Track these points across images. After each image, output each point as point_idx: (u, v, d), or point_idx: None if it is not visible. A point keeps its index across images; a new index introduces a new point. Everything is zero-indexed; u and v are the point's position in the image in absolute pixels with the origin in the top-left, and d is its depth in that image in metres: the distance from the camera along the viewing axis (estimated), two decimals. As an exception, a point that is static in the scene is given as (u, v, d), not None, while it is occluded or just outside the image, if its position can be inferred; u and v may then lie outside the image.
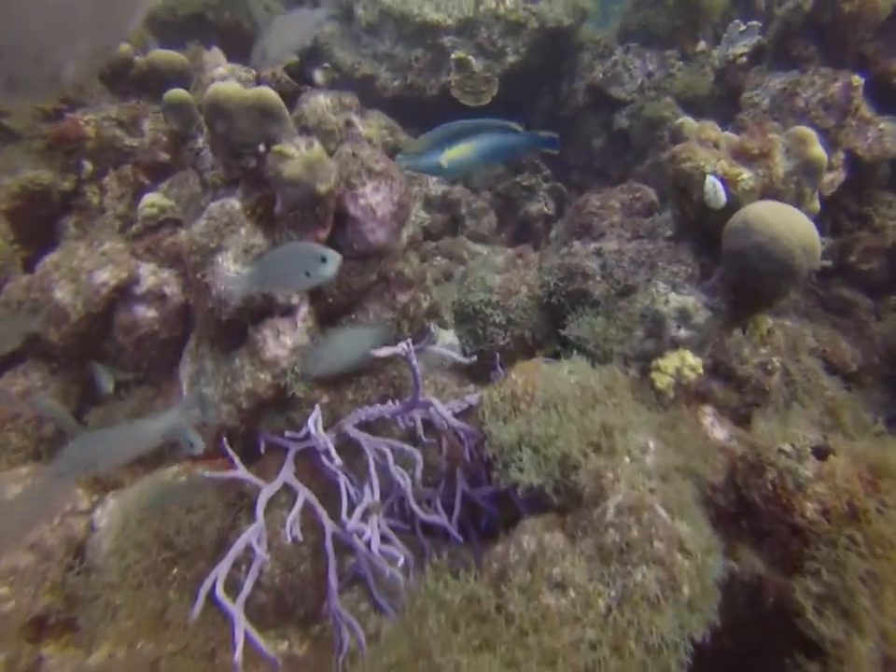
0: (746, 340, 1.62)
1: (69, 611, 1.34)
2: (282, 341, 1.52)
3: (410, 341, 1.46)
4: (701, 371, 1.44)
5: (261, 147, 1.49)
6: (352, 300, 1.68)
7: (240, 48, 2.91)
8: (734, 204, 1.53)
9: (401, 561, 1.41)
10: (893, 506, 1.12)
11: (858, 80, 2.25)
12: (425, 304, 2.00)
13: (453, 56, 2.86)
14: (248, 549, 1.43)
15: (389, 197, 1.59)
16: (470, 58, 2.85)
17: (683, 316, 1.48)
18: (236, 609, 1.38)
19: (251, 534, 1.45)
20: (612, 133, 2.96)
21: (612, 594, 1.01)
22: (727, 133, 1.70)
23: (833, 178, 2.31)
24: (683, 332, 1.48)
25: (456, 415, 1.69)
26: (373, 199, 1.57)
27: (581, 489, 1.16)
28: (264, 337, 1.52)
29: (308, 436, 1.57)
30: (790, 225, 1.38)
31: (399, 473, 1.57)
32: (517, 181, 2.88)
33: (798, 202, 1.64)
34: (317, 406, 1.59)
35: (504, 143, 1.85)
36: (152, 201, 1.83)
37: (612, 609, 1.01)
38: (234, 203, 1.53)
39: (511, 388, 1.35)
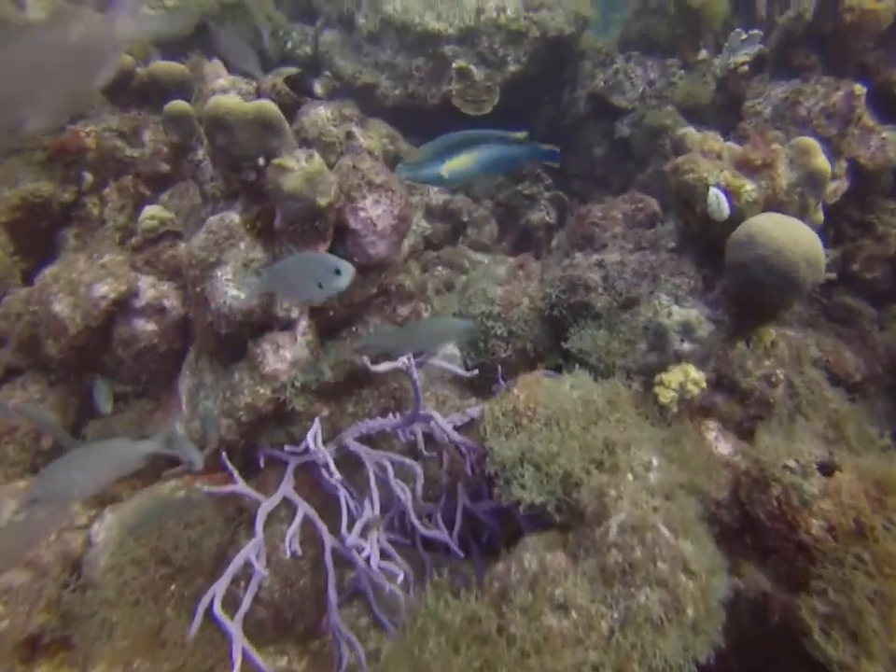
0: (749, 352, 1.61)
1: (64, 629, 1.33)
2: (281, 355, 1.51)
3: (410, 354, 1.45)
4: (704, 385, 1.42)
5: (261, 161, 1.49)
6: (352, 312, 1.67)
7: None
8: (737, 216, 1.52)
9: (401, 578, 1.40)
10: (901, 524, 1.11)
11: (860, 89, 2.24)
12: (426, 315, 1.99)
13: (454, 65, 2.86)
14: (247, 564, 1.42)
15: (390, 210, 1.58)
16: (472, 67, 2.85)
17: (686, 330, 1.47)
18: (234, 627, 1.37)
19: (250, 549, 1.43)
20: (614, 141, 2.95)
21: (615, 615, 1.00)
22: (730, 144, 1.69)
23: (836, 187, 2.30)
24: (686, 346, 1.46)
25: (458, 429, 1.68)
26: (374, 212, 1.56)
27: (583, 507, 1.14)
28: (264, 351, 1.51)
29: (308, 450, 1.56)
30: (793, 237, 1.37)
31: (399, 487, 1.56)
32: (518, 190, 2.87)
33: (802, 213, 1.63)
34: (317, 420, 1.58)
35: (505, 154, 1.84)
36: (152, 213, 1.82)
37: (615, 631, 0.99)
38: (234, 217, 1.52)
39: (513, 403, 1.34)
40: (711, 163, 1.58)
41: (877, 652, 0.99)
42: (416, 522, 1.54)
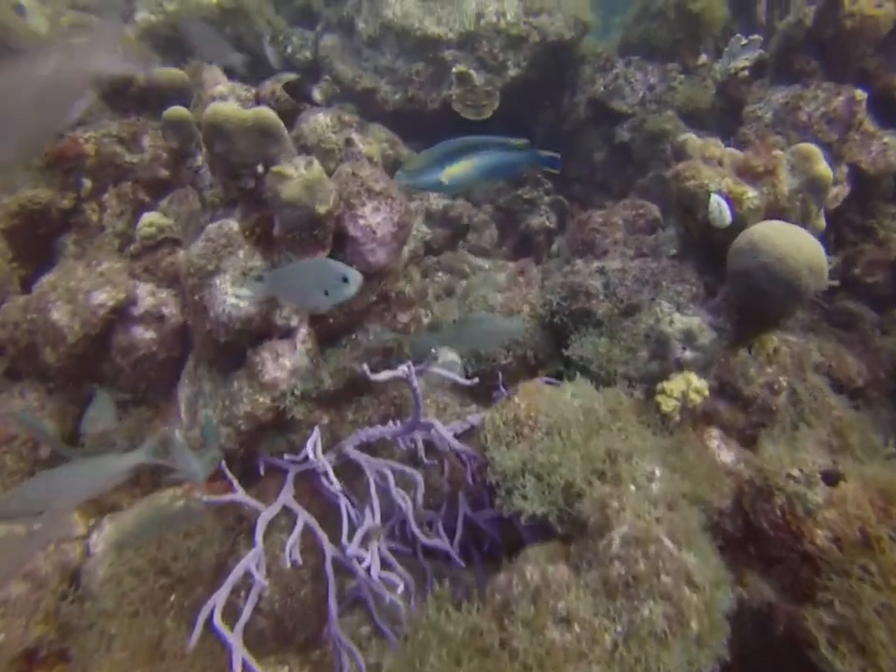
0: (752, 359, 1.60)
1: (62, 641, 1.31)
2: (281, 363, 1.50)
3: (410, 363, 1.44)
4: (707, 393, 1.41)
5: (260, 168, 1.48)
6: (352, 320, 1.66)
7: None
8: (739, 223, 1.51)
9: (401, 588, 1.39)
10: (907, 535, 1.10)
11: (861, 95, 2.24)
12: (426, 321, 1.99)
13: (454, 70, 2.86)
14: (247, 574, 1.41)
15: (389, 217, 1.57)
16: (472, 72, 2.85)
17: (688, 338, 1.46)
18: (234, 639, 1.36)
19: (250, 560, 1.42)
20: (614, 146, 2.95)
21: (619, 629, 0.99)
22: (731, 150, 1.68)
23: (838, 192, 2.29)
24: (688, 354, 1.46)
25: (458, 436, 1.67)
26: (373, 219, 1.55)
27: (585, 518, 1.13)
28: (263, 360, 1.50)
29: (308, 458, 1.55)
30: (796, 245, 1.36)
31: (400, 496, 1.55)
32: (518, 194, 2.87)
33: (804, 219, 1.62)
34: (316, 429, 1.57)
35: (505, 161, 1.84)
36: (150, 220, 1.81)
37: (619, 644, 0.98)
38: (232, 225, 1.51)
39: (514, 412, 1.33)
40: (713, 170, 1.57)
41: (886, 667, 0.97)
42: (417, 531, 1.53)
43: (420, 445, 1.66)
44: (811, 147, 1.62)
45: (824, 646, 1.03)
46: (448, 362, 1.96)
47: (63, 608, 1.35)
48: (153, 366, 1.72)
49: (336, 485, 1.49)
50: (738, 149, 1.74)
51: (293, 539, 1.49)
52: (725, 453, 1.44)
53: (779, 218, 1.53)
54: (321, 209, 1.46)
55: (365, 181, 1.58)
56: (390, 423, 1.68)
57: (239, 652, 1.35)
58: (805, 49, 2.41)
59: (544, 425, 1.27)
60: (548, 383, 1.56)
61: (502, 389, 1.72)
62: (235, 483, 1.51)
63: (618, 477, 1.16)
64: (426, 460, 1.65)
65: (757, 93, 2.52)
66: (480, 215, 2.77)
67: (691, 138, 1.69)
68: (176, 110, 1.83)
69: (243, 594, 1.46)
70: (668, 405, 1.38)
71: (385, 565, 1.47)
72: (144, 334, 1.69)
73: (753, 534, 1.31)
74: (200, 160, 1.86)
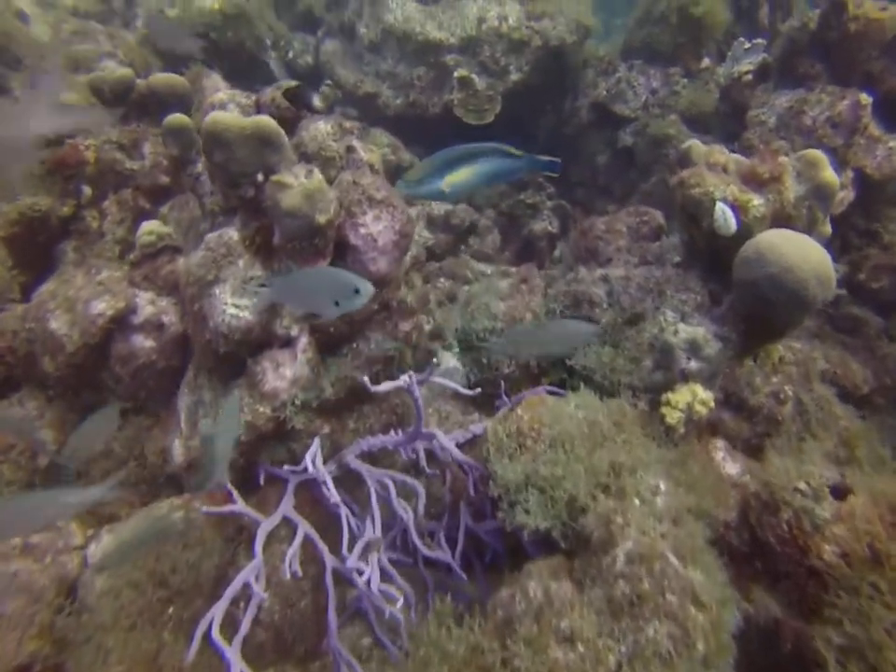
0: (757, 368, 1.58)
1: (58, 656, 1.29)
2: (281, 373, 1.49)
3: (412, 373, 1.42)
4: (712, 405, 1.39)
5: (260, 177, 1.46)
6: (353, 329, 1.65)
7: (243, 68, 2.92)
8: (744, 231, 1.49)
9: (401, 602, 1.37)
10: (918, 552, 1.07)
11: (866, 99, 2.22)
12: (427, 328, 1.97)
13: (455, 74, 2.84)
14: (247, 586, 1.39)
15: (391, 226, 1.55)
16: (473, 76, 2.83)
17: (693, 348, 1.44)
18: (232, 653, 1.34)
19: (249, 572, 1.41)
20: (616, 150, 2.93)
21: (623, 649, 0.97)
22: (736, 157, 1.66)
23: (843, 197, 2.27)
24: (693, 364, 1.44)
25: (460, 446, 1.65)
26: (374, 228, 1.53)
27: (589, 533, 1.11)
28: (263, 369, 1.49)
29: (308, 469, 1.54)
30: (803, 255, 1.34)
31: (401, 507, 1.53)
32: (521, 199, 2.85)
33: (810, 226, 1.60)
34: (316, 440, 1.55)
35: (504, 167, 1.83)
36: (150, 228, 1.80)
37: (623, 665, 0.96)
38: (232, 234, 1.50)
39: (517, 424, 1.31)
40: (717, 177, 1.55)
41: (896, 689, 0.95)
42: (418, 542, 1.51)
43: (422, 455, 1.64)
44: (817, 154, 1.60)
45: (833, 666, 1.01)
46: (450, 370, 1.94)
47: (59, 621, 1.33)
48: (153, 375, 1.71)
49: (335, 497, 1.48)
50: (742, 155, 1.72)
51: (293, 549, 1.47)
52: (730, 464, 1.42)
53: (785, 226, 1.51)
54: (321, 219, 1.45)
55: (366, 189, 1.57)
56: (392, 432, 1.66)
57: (237, 666, 1.34)
58: (809, 53, 2.39)
59: (547, 437, 1.25)
60: (551, 392, 1.54)
61: (505, 398, 1.70)
62: (235, 493, 1.50)
63: (622, 491, 1.14)
64: (427, 470, 1.63)
65: (761, 97, 2.50)
66: (482, 220, 2.75)
67: (695, 144, 1.68)
68: (177, 117, 1.82)
69: (242, 605, 1.45)
70: (673, 417, 1.36)
71: (385, 576, 1.45)
72: (143, 343, 1.68)
73: (760, 548, 1.29)
74: (200, 166, 1.84)
